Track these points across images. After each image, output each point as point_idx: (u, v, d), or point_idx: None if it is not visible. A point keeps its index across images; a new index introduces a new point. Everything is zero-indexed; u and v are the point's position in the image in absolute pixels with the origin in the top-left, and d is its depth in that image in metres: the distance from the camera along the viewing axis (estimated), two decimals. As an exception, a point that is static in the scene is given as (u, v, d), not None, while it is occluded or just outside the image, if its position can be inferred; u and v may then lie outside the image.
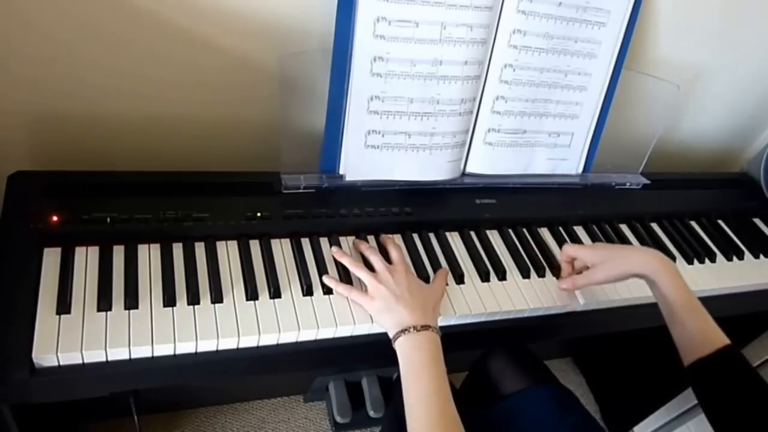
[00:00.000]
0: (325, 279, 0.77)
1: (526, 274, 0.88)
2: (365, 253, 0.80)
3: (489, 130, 0.92)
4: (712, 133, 1.28)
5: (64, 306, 0.65)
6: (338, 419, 1.24)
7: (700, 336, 0.72)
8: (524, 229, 0.96)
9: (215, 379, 1.16)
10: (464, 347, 0.88)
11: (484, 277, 0.85)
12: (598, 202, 1.04)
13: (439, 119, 0.86)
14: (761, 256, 1.08)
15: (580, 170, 1.04)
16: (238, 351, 0.70)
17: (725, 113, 1.25)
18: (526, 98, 0.92)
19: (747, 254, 1.08)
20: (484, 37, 0.83)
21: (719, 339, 0.71)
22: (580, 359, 1.64)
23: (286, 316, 0.73)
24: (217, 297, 0.72)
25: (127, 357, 0.65)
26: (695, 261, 1.02)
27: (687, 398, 1.35)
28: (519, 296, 0.85)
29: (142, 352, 0.65)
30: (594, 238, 0.99)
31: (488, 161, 0.95)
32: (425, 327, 0.70)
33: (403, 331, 0.69)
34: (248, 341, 0.70)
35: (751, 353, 1.32)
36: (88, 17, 0.75)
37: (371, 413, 1.24)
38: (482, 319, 0.82)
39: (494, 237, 0.93)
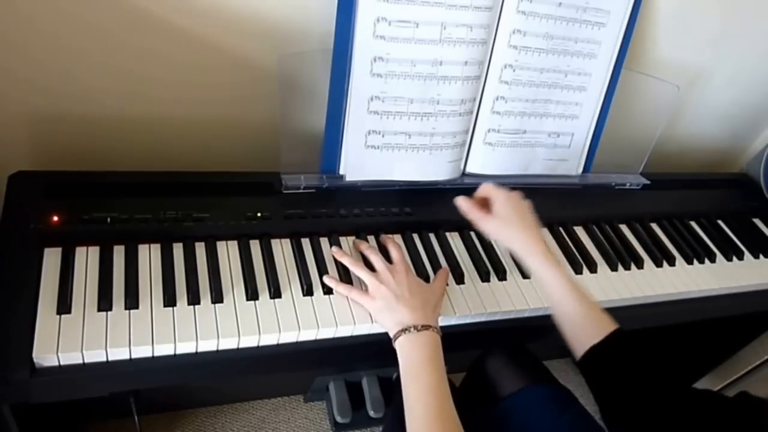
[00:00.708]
0: (325, 279, 0.77)
1: (526, 274, 0.88)
2: (365, 252, 0.80)
3: (489, 131, 0.92)
4: (711, 133, 1.28)
5: (64, 306, 0.66)
6: (338, 419, 1.23)
7: (584, 319, 0.71)
8: (524, 229, 0.96)
9: (215, 379, 1.16)
10: (464, 347, 0.88)
11: (484, 277, 0.86)
12: (598, 202, 1.04)
13: (439, 119, 0.86)
14: (761, 256, 1.08)
15: (580, 171, 1.04)
16: (239, 351, 0.70)
17: (725, 113, 1.25)
18: (526, 98, 0.92)
19: (747, 254, 1.08)
20: (484, 38, 0.83)
21: (608, 325, 0.70)
22: (580, 359, 1.64)
23: (286, 316, 0.73)
24: (217, 297, 0.72)
25: (127, 357, 0.65)
26: (695, 261, 1.02)
27: (687, 398, 1.35)
28: (519, 296, 0.85)
29: (142, 352, 0.65)
30: (594, 238, 0.99)
31: (488, 161, 0.95)
32: (426, 327, 0.70)
33: (404, 330, 0.69)
34: (248, 341, 0.70)
35: (751, 353, 1.32)
36: (89, 18, 0.75)
37: (371, 413, 1.24)
38: (482, 319, 0.82)
39: (494, 237, 0.93)
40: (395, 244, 0.82)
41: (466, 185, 0.95)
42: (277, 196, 0.84)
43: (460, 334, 0.81)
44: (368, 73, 0.80)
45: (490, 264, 0.88)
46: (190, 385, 1.25)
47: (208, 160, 0.94)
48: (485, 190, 0.83)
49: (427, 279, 0.82)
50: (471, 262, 0.87)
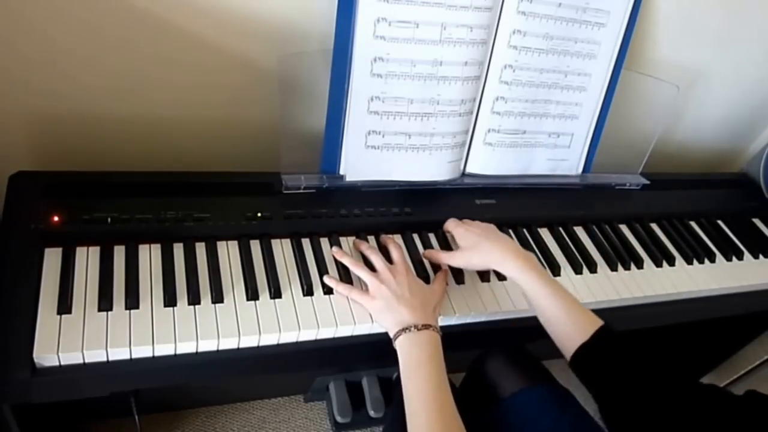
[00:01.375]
0: (325, 279, 0.77)
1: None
2: (366, 252, 0.80)
3: (489, 131, 0.92)
4: (711, 133, 1.28)
5: (65, 306, 0.66)
6: (339, 419, 1.23)
7: (567, 318, 0.72)
8: (524, 229, 0.96)
9: (216, 379, 1.16)
10: (464, 347, 0.88)
11: (484, 277, 0.86)
12: (598, 202, 1.04)
13: (439, 120, 0.86)
14: (760, 256, 1.09)
15: (580, 171, 1.04)
16: (239, 351, 0.70)
17: (724, 114, 1.25)
18: (526, 99, 0.92)
19: (746, 254, 1.08)
20: (484, 38, 0.83)
21: (593, 323, 0.71)
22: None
23: (286, 316, 0.73)
24: (217, 297, 0.72)
25: (127, 357, 0.65)
26: (695, 261, 1.02)
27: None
28: (519, 296, 0.84)
29: (142, 352, 0.66)
30: (594, 239, 0.99)
31: (488, 162, 0.95)
32: (426, 326, 0.70)
33: (404, 329, 0.69)
34: (249, 341, 0.70)
35: (750, 353, 1.32)
36: (89, 18, 0.75)
37: (372, 413, 1.24)
38: (482, 319, 0.82)
39: (494, 237, 0.93)
40: (396, 244, 0.82)
41: (466, 185, 0.96)
42: (278, 196, 0.84)
43: (460, 334, 0.81)
44: (368, 74, 0.80)
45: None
46: (191, 385, 1.25)
47: (209, 161, 0.94)
48: (446, 226, 0.87)
49: (427, 279, 0.82)
50: (471, 262, 0.87)
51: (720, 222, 1.14)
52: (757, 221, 1.18)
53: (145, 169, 0.82)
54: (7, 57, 0.76)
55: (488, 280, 0.86)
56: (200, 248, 0.77)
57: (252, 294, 0.73)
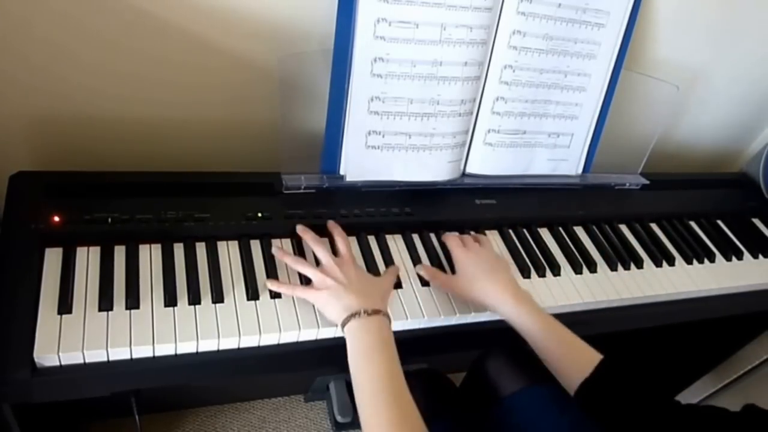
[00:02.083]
0: (268, 284, 0.75)
1: (526, 274, 0.88)
2: (310, 244, 0.78)
3: (489, 131, 0.93)
4: (711, 133, 1.29)
5: (65, 306, 0.66)
6: (339, 419, 1.24)
7: (566, 355, 0.73)
8: (524, 230, 0.96)
9: (216, 379, 1.16)
10: (464, 347, 0.88)
11: (484, 277, 0.86)
12: (598, 202, 1.05)
13: (439, 120, 0.87)
14: (760, 256, 1.09)
15: (580, 171, 1.04)
16: (239, 351, 0.70)
17: (724, 114, 1.25)
18: (526, 99, 0.92)
19: (746, 254, 1.08)
20: (484, 38, 0.83)
21: (592, 357, 0.71)
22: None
23: (287, 315, 0.73)
24: (218, 297, 0.72)
25: (128, 357, 0.65)
26: (694, 261, 1.02)
27: (686, 398, 1.35)
28: (519, 296, 0.85)
29: (143, 351, 0.66)
30: (593, 239, 0.99)
31: (488, 162, 0.95)
32: (376, 311, 0.68)
33: (353, 315, 0.67)
34: (249, 341, 0.70)
35: (750, 353, 1.32)
36: (89, 19, 0.76)
37: (371, 413, 1.24)
38: (482, 318, 0.82)
39: (494, 237, 0.93)
40: (341, 234, 0.79)
41: (466, 185, 0.96)
42: (278, 196, 0.84)
43: (460, 333, 0.81)
44: (368, 74, 0.80)
45: (490, 264, 0.88)
46: (191, 385, 1.25)
47: (209, 161, 0.94)
48: (447, 244, 0.85)
49: (427, 280, 0.82)
50: (471, 262, 0.88)
51: (720, 222, 1.14)
52: (756, 221, 1.18)
53: (146, 169, 0.82)
54: (7, 58, 0.76)
55: (488, 280, 0.86)
56: (200, 248, 0.77)
57: (252, 294, 0.74)
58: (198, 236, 0.78)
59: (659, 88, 1.03)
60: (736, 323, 1.24)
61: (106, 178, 0.79)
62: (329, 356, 0.76)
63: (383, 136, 0.85)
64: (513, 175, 0.98)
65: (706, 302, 0.98)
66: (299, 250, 0.81)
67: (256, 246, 0.80)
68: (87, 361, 0.64)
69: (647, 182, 1.09)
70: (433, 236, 0.90)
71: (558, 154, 1.01)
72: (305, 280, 0.76)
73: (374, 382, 0.62)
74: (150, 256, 0.74)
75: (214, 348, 0.69)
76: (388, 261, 0.83)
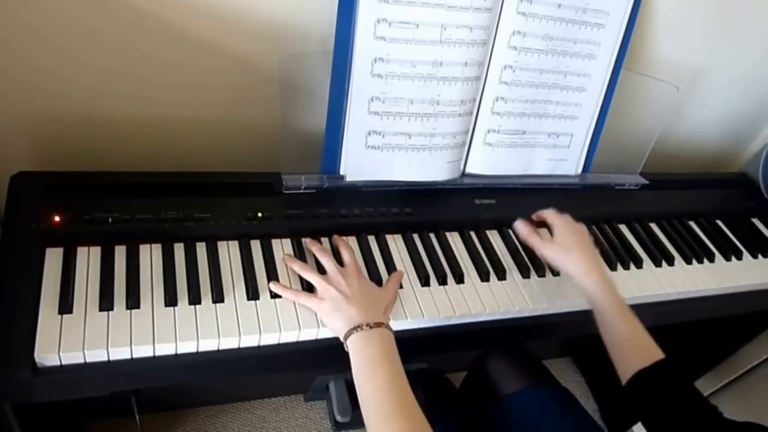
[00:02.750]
0: (271, 285, 0.75)
1: (526, 274, 0.89)
2: (316, 254, 0.78)
3: (489, 131, 0.93)
4: (710, 133, 1.29)
5: (66, 306, 0.66)
6: (339, 418, 1.24)
7: (632, 343, 0.74)
8: (524, 230, 0.96)
9: (216, 379, 1.17)
10: (464, 347, 0.88)
11: (484, 277, 0.86)
12: (598, 202, 1.05)
13: (439, 120, 0.87)
14: (759, 256, 1.09)
15: (580, 171, 1.04)
16: (239, 351, 0.70)
17: (723, 114, 1.25)
18: (526, 99, 0.92)
19: (745, 254, 1.08)
20: (484, 39, 0.83)
21: (654, 351, 0.72)
22: (580, 359, 1.64)
23: (287, 315, 0.73)
24: (218, 297, 0.72)
25: (128, 356, 0.65)
26: (694, 261, 1.02)
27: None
28: (519, 296, 0.85)
29: (143, 351, 0.66)
30: (593, 238, 0.99)
31: (488, 162, 0.96)
32: (378, 324, 0.68)
33: (355, 328, 0.68)
34: (249, 341, 0.70)
35: (750, 353, 1.32)
36: (90, 21, 0.76)
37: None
38: (482, 318, 0.82)
39: (494, 237, 0.93)
40: (347, 246, 0.80)
41: (466, 185, 0.96)
42: (278, 196, 0.85)
43: (460, 334, 0.81)
44: (369, 74, 0.80)
45: (491, 264, 0.88)
46: (191, 384, 1.25)
47: (209, 161, 0.94)
48: (546, 215, 0.88)
49: (427, 279, 0.83)
50: (471, 262, 0.88)
51: (719, 222, 1.14)
52: (756, 221, 1.19)
53: (146, 169, 0.82)
54: (8, 59, 0.76)
55: (488, 280, 0.86)
56: (201, 248, 0.77)
57: (252, 294, 0.74)
58: (198, 236, 0.78)
59: (659, 88, 1.03)
60: (735, 323, 1.24)
61: (106, 178, 0.79)
62: (329, 356, 0.76)
63: (383, 137, 0.85)
64: (513, 175, 0.98)
65: (706, 302, 0.98)
66: (299, 250, 0.81)
67: (256, 246, 0.80)
68: (87, 360, 0.64)
69: (647, 182, 1.09)
70: (432, 236, 0.90)
71: (558, 154, 1.01)
72: (307, 284, 0.77)
73: (379, 397, 0.62)
74: (150, 256, 0.75)
75: (214, 348, 0.69)
76: (388, 261, 0.83)
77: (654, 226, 1.07)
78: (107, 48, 0.79)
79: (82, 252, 0.72)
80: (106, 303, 0.68)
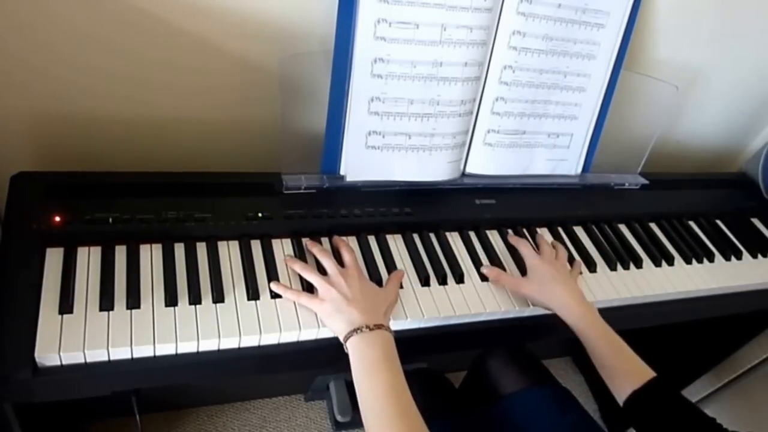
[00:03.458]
0: (272, 286, 0.75)
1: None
2: (317, 256, 0.78)
3: (489, 131, 0.93)
4: (710, 133, 1.29)
5: (66, 305, 0.66)
6: (339, 418, 1.24)
7: (619, 364, 0.76)
8: (524, 229, 0.96)
9: (217, 379, 1.17)
10: (464, 347, 0.88)
11: (484, 277, 0.86)
12: (597, 202, 1.05)
13: (439, 120, 0.87)
14: (759, 255, 1.09)
15: (579, 171, 1.04)
16: (240, 350, 0.70)
17: (723, 114, 1.25)
18: (526, 99, 0.92)
19: (745, 254, 1.08)
20: (484, 39, 0.83)
21: (641, 369, 0.74)
22: (580, 359, 1.64)
23: (287, 315, 0.73)
24: (218, 297, 0.72)
25: (129, 356, 0.65)
26: (694, 261, 1.02)
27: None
28: (518, 297, 0.85)
29: (144, 351, 0.66)
30: (593, 238, 0.99)
31: (488, 162, 0.96)
32: (378, 326, 0.68)
33: (356, 330, 0.68)
34: (250, 341, 0.70)
35: (749, 353, 1.32)
36: (89, 21, 0.76)
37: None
38: (482, 318, 0.82)
39: (494, 237, 0.93)
40: (348, 247, 0.80)
41: (466, 185, 0.96)
42: (278, 196, 0.85)
43: (460, 333, 0.81)
44: (369, 74, 0.80)
45: (491, 264, 0.88)
46: (191, 384, 1.25)
47: (210, 161, 0.94)
48: (519, 247, 0.89)
49: (427, 278, 0.83)
50: (471, 262, 0.88)
51: (719, 222, 1.14)
52: (755, 221, 1.19)
53: (146, 169, 0.82)
54: (8, 60, 0.76)
55: (488, 280, 0.86)
56: (201, 248, 0.77)
57: (253, 294, 0.74)
58: (198, 236, 0.78)
59: (659, 89, 1.03)
60: (735, 323, 1.24)
61: (106, 179, 0.79)
62: (329, 356, 0.76)
63: (383, 137, 0.85)
64: (513, 175, 0.99)
65: (706, 302, 0.99)
66: (299, 250, 0.81)
67: (256, 246, 0.80)
68: (88, 360, 0.64)
69: (646, 182, 1.09)
70: (432, 236, 0.90)
71: (557, 154, 1.01)
72: (307, 285, 0.77)
73: (378, 400, 0.63)
74: (151, 256, 0.75)
75: (214, 348, 0.69)
76: (388, 261, 0.84)
77: (654, 226, 1.07)
78: (107, 48, 0.79)
79: (82, 252, 0.72)
80: (106, 303, 0.68)
